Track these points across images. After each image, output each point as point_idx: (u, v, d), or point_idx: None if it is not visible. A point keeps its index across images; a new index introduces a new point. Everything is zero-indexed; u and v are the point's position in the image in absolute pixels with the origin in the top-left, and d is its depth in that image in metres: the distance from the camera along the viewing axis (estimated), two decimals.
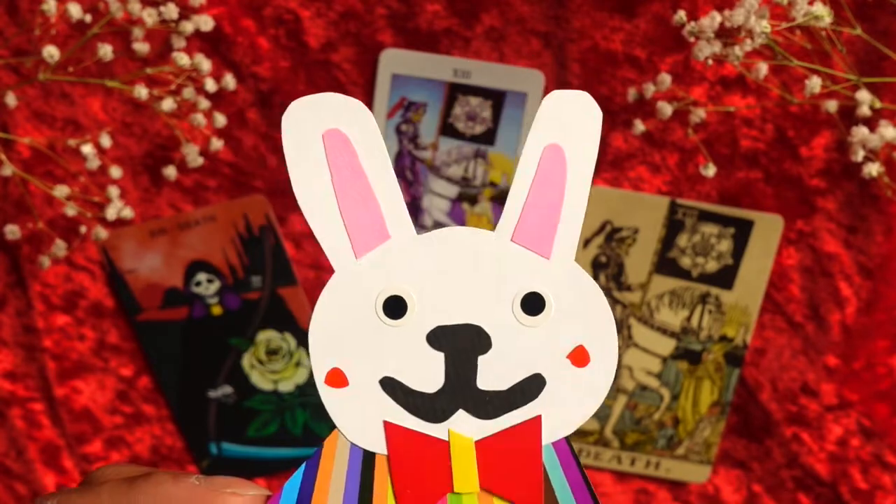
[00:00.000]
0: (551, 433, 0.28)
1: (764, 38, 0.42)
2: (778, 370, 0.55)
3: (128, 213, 0.50)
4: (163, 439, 0.55)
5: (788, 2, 0.42)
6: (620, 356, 0.55)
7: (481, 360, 0.28)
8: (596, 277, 0.53)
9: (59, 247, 0.50)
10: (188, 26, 0.47)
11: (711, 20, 0.43)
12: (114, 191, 0.50)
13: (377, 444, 0.28)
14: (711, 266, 0.53)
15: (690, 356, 0.55)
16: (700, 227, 0.52)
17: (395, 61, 0.51)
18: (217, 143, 0.50)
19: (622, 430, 0.56)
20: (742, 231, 0.52)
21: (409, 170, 0.53)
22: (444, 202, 0.53)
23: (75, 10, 0.45)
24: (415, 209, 0.53)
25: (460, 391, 0.28)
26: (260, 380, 0.54)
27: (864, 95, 0.47)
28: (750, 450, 0.56)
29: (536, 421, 0.28)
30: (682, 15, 0.44)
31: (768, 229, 0.52)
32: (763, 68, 0.46)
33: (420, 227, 0.53)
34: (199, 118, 0.48)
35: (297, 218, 0.53)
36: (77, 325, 0.54)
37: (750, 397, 0.55)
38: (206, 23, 0.47)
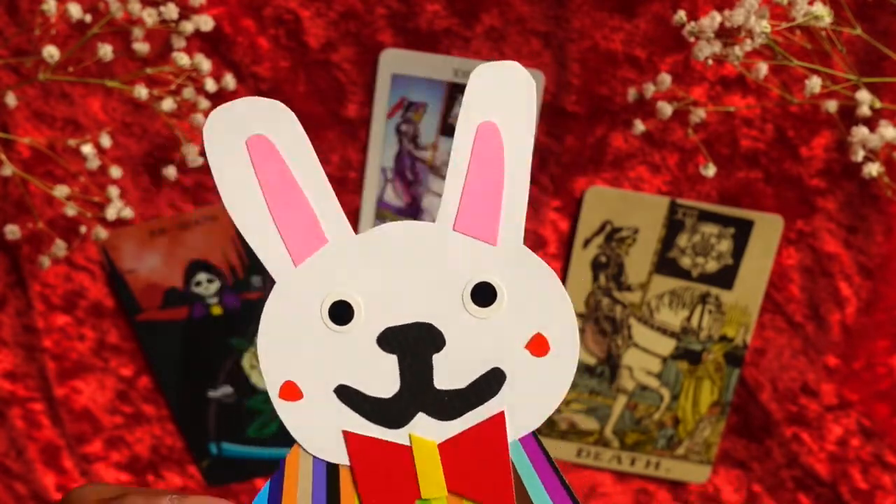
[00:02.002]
0: (517, 429, 0.27)
1: (764, 38, 0.42)
2: (778, 370, 0.55)
3: (128, 213, 0.50)
4: (163, 439, 0.55)
5: (788, 2, 0.42)
6: (621, 356, 0.55)
7: (436, 358, 0.27)
8: (596, 277, 0.54)
9: (59, 247, 0.50)
10: (188, 26, 0.47)
11: (711, 20, 0.43)
12: (114, 191, 0.50)
13: (339, 455, 0.27)
14: (711, 266, 0.53)
15: (690, 356, 0.55)
16: (700, 227, 0.52)
17: (395, 61, 0.51)
18: None
19: (622, 430, 0.56)
20: (742, 231, 0.52)
21: (409, 170, 0.53)
22: None
23: (75, 10, 0.45)
24: (415, 209, 0.53)
25: (418, 393, 0.27)
26: (260, 380, 0.54)
27: (864, 95, 0.47)
28: (750, 450, 0.56)
29: (500, 418, 0.27)
30: (682, 15, 0.44)
31: (768, 229, 0.52)
32: (763, 68, 0.46)
33: None
34: (199, 118, 0.48)
35: None
36: (77, 325, 0.54)
37: (750, 397, 0.55)
38: (206, 23, 0.47)
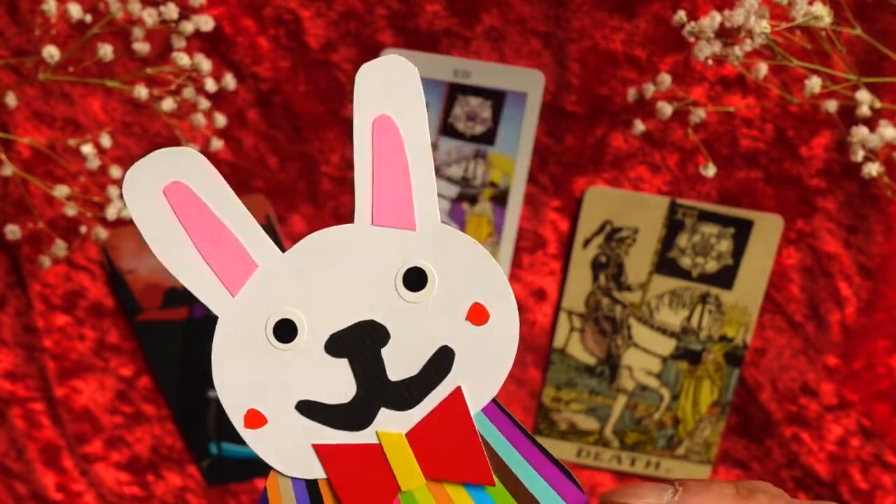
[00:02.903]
0: (477, 400, 0.28)
1: (764, 38, 0.42)
2: (778, 370, 0.55)
3: (128, 213, 0.50)
4: (163, 439, 0.55)
5: (788, 2, 0.42)
6: (621, 356, 0.55)
7: (385, 352, 0.27)
8: (596, 277, 0.54)
9: (59, 247, 0.50)
10: (188, 26, 0.47)
11: (711, 20, 0.43)
12: (114, 191, 0.50)
13: (314, 470, 0.28)
14: (711, 266, 0.53)
15: (690, 356, 0.55)
16: (700, 227, 0.52)
17: None
18: (217, 143, 0.50)
19: (622, 430, 0.56)
20: (742, 231, 0.52)
21: None
22: (444, 202, 0.53)
23: (75, 10, 0.45)
24: None
25: (375, 390, 0.27)
26: None
27: (863, 95, 0.47)
28: (750, 450, 0.56)
29: (458, 393, 0.27)
30: (682, 15, 0.44)
31: (768, 229, 0.52)
32: (763, 68, 0.46)
33: None
34: (199, 118, 0.48)
35: (297, 218, 0.53)
36: (77, 325, 0.54)
37: (750, 397, 0.55)
38: (206, 23, 0.47)
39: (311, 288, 0.27)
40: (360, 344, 0.27)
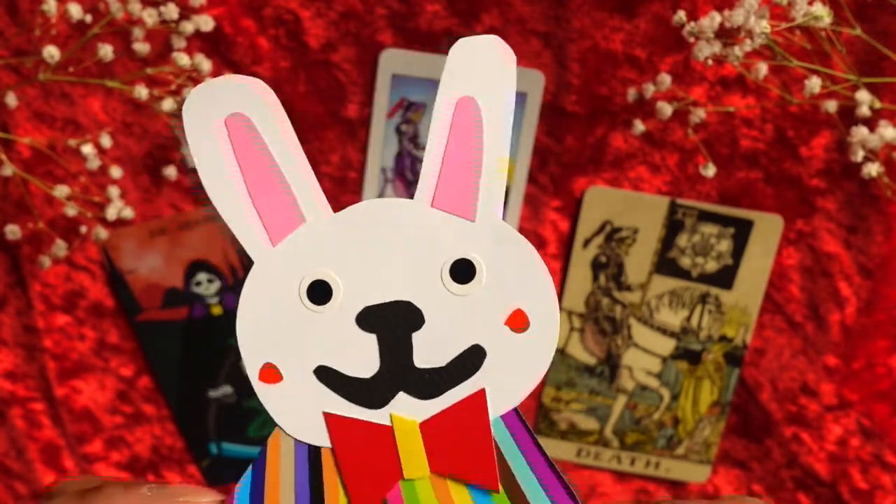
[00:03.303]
0: (498, 406, 0.27)
1: (764, 39, 0.42)
2: (778, 370, 0.55)
3: (128, 213, 0.50)
4: (163, 439, 0.55)
5: (788, 2, 0.42)
6: (621, 356, 0.55)
7: (416, 337, 0.27)
8: (596, 277, 0.54)
9: (59, 247, 0.50)
10: (188, 26, 0.47)
11: (711, 20, 0.43)
12: (114, 191, 0.50)
13: (320, 437, 0.27)
14: (711, 266, 0.53)
15: (690, 356, 0.55)
16: (700, 227, 0.52)
17: (395, 61, 0.51)
18: None
19: (622, 430, 0.56)
20: (742, 231, 0.52)
21: (409, 170, 0.53)
22: None
23: (75, 11, 0.45)
24: None
25: (398, 372, 0.27)
26: None
27: (863, 95, 0.47)
28: (750, 450, 0.56)
29: (481, 395, 0.27)
30: (682, 15, 0.44)
31: (768, 229, 0.52)
32: (763, 68, 0.46)
33: None
34: None
35: None
36: (77, 325, 0.54)
37: (750, 397, 0.55)
38: (206, 23, 0.47)
39: (354, 255, 0.26)
40: (392, 323, 0.26)
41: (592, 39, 0.50)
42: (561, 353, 0.55)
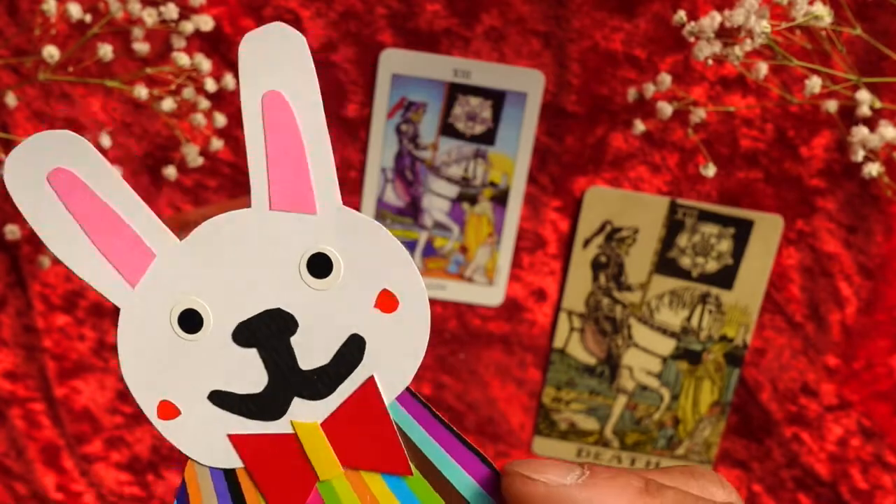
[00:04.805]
0: (390, 389, 0.27)
1: (764, 38, 0.42)
2: (778, 370, 0.55)
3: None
4: (162, 439, 0.55)
5: (788, 2, 0.42)
6: (621, 356, 0.55)
7: (294, 341, 0.26)
8: (596, 277, 0.54)
9: None
10: (188, 26, 0.47)
11: (711, 20, 0.43)
12: None
13: (231, 459, 0.27)
14: (711, 266, 0.53)
15: (690, 356, 0.55)
16: (700, 227, 0.52)
17: (395, 61, 0.51)
18: (217, 143, 0.50)
19: (622, 430, 0.56)
20: (742, 231, 0.52)
21: (409, 170, 0.53)
22: (444, 202, 0.53)
23: (75, 10, 0.45)
24: (415, 209, 0.53)
25: (287, 380, 0.27)
26: None
27: (863, 95, 0.47)
28: (750, 450, 0.56)
29: (371, 383, 0.27)
30: (682, 15, 0.44)
31: (768, 229, 0.52)
32: (763, 68, 0.46)
33: (420, 227, 0.53)
34: (199, 118, 0.48)
35: None
36: (77, 325, 0.54)
37: (750, 397, 0.55)
38: (206, 23, 0.47)
39: (213, 276, 0.26)
40: (267, 333, 0.26)
41: (592, 39, 0.50)
42: (561, 353, 0.55)
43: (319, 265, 0.26)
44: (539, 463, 0.25)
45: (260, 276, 0.26)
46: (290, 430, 0.27)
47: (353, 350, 0.27)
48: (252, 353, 0.27)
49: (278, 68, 0.26)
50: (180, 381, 0.27)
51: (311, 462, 0.27)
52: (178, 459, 0.56)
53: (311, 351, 0.27)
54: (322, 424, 0.27)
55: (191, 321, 0.26)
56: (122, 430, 0.55)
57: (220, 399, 0.27)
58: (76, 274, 0.26)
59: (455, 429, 0.27)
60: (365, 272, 0.26)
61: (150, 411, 0.27)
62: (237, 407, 0.27)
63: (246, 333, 0.27)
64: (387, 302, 0.27)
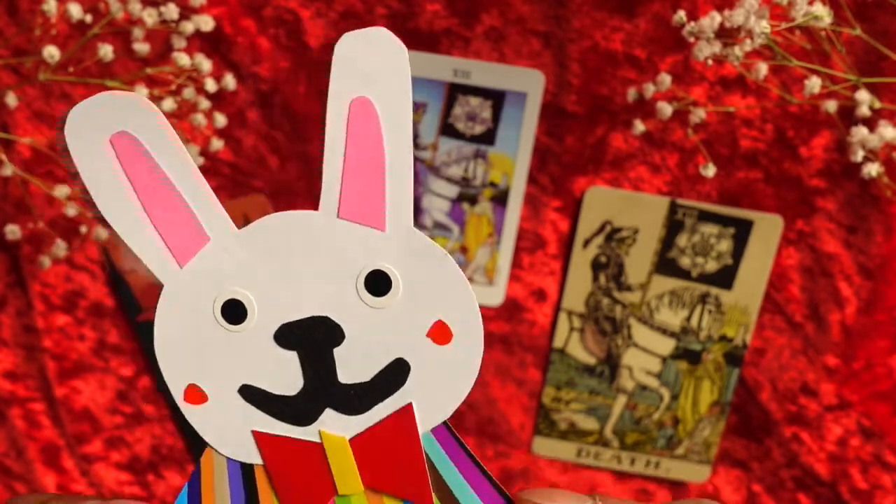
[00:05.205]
0: (427, 421, 0.26)
1: (764, 39, 0.42)
2: (778, 370, 0.55)
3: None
4: (163, 439, 0.55)
5: (788, 2, 0.42)
6: (620, 356, 0.55)
7: (337, 352, 0.26)
8: (596, 277, 0.54)
9: (59, 247, 0.50)
10: (188, 26, 0.47)
11: (711, 20, 0.43)
12: None
13: (251, 454, 0.26)
14: (711, 266, 0.53)
15: (690, 356, 0.55)
16: (700, 227, 0.53)
17: None
18: (217, 143, 0.50)
19: (622, 430, 0.56)
20: (742, 231, 0.52)
21: None
22: (444, 202, 0.53)
23: (75, 11, 0.45)
24: (415, 209, 0.53)
25: (322, 389, 0.26)
26: None
27: (863, 95, 0.47)
28: (750, 450, 0.56)
29: (408, 410, 0.26)
30: (682, 15, 0.44)
31: (768, 229, 0.52)
32: (763, 68, 0.46)
33: (420, 227, 0.53)
34: (200, 118, 0.48)
35: None
36: (77, 325, 0.54)
37: (750, 397, 0.55)
38: (206, 23, 0.47)
39: (265, 271, 0.26)
40: (311, 339, 0.26)
41: (592, 39, 0.50)
42: (561, 353, 0.55)
43: (378, 283, 0.26)
44: (552, 492, 0.25)
45: (314, 282, 0.26)
46: (317, 440, 0.26)
47: (396, 373, 0.26)
48: (291, 356, 0.26)
49: (374, 75, 0.25)
50: (213, 369, 0.26)
51: (333, 475, 0.26)
52: (179, 460, 0.56)
53: (353, 366, 0.26)
54: (351, 441, 0.26)
55: (234, 312, 0.26)
56: (123, 430, 0.55)
57: (251, 394, 0.26)
58: (126, 242, 0.25)
59: (487, 470, 0.27)
60: (423, 299, 0.26)
61: (178, 393, 0.26)
62: (267, 405, 0.26)
63: (289, 335, 0.26)
64: (440, 333, 0.26)
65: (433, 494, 0.26)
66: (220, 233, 0.25)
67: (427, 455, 0.26)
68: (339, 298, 0.26)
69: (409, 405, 0.26)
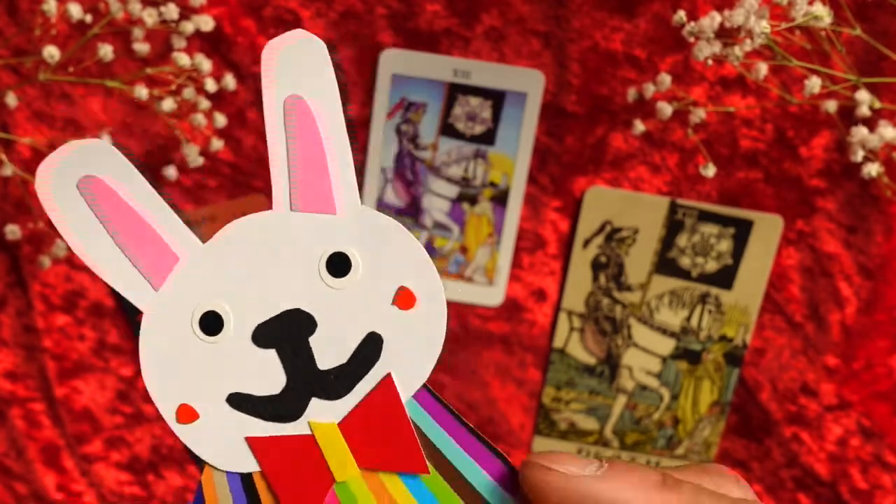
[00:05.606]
0: (408, 387, 0.27)
1: (764, 39, 0.42)
2: (778, 370, 0.55)
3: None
4: (163, 439, 0.55)
5: (788, 2, 0.42)
6: (621, 356, 0.55)
7: (312, 341, 0.27)
8: (596, 277, 0.54)
9: (59, 247, 0.50)
10: (188, 26, 0.47)
11: (711, 20, 0.43)
12: None
13: (248, 463, 0.27)
14: (711, 266, 0.53)
15: (690, 356, 0.55)
16: (700, 227, 0.53)
17: (395, 61, 0.51)
18: (217, 143, 0.50)
19: (622, 430, 0.56)
20: (742, 231, 0.52)
21: (409, 170, 0.53)
22: (444, 202, 0.53)
23: (75, 11, 0.45)
24: (415, 209, 0.53)
25: (305, 380, 0.27)
26: None
27: (863, 95, 0.47)
28: (750, 450, 0.56)
29: (388, 381, 0.27)
30: (682, 15, 0.44)
31: (768, 229, 0.52)
32: (763, 68, 0.46)
33: (420, 227, 0.53)
34: (199, 118, 0.48)
35: None
36: (77, 325, 0.54)
37: (750, 397, 0.55)
38: (206, 23, 0.47)
39: (234, 278, 0.27)
40: (286, 334, 0.27)
41: (592, 39, 0.50)
42: (561, 353, 0.55)
43: (338, 264, 0.27)
44: (559, 454, 0.25)
45: (280, 277, 0.27)
46: (307, 432, 0.27)
47: (370, 348, 0.27)
48: (271, 354, 0.27)
49: (299, 74, 0.26)
50: (200, 384, 0.27)
51: (329, 463, 0.27)
52: (179, 460, 0.56)
53: (330, 350, 0.27)
54: (339, 424, 0.27)
55: (212, 323, 0.27)
56: (123, 430, 0.55)
57: (239, 401, 0.27)
58: (102, 278, 0.26)
59: (472, 425, 0.27)
60: (384, 270, 0.27)
61: (170, 416, 0.27)
62: (255, 409, 0.27)
63: (265, 334, 0.27)
64: (405, 299, 0.27)
65: (427, 461, 0.27)
66: (189, 250, 0.27)
67: (414, 421, 0.27)
68: (306, 288, 0.27)
69: (389, 376, 0.27)
